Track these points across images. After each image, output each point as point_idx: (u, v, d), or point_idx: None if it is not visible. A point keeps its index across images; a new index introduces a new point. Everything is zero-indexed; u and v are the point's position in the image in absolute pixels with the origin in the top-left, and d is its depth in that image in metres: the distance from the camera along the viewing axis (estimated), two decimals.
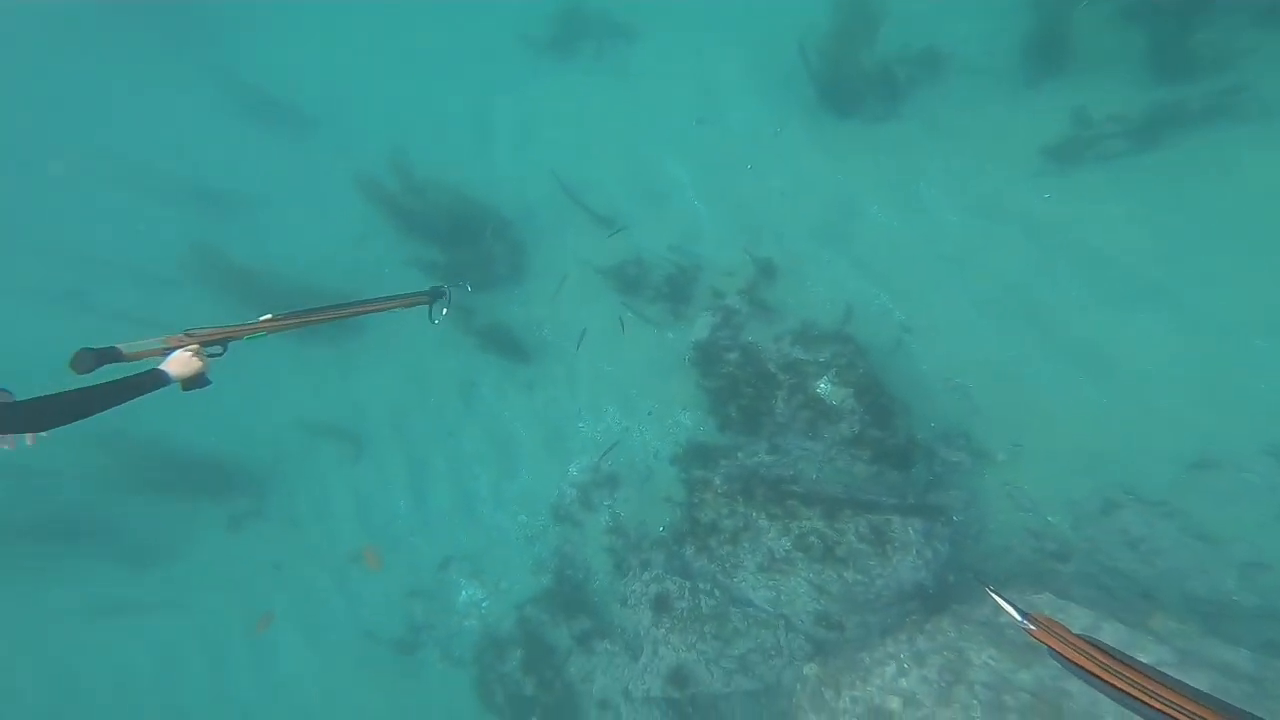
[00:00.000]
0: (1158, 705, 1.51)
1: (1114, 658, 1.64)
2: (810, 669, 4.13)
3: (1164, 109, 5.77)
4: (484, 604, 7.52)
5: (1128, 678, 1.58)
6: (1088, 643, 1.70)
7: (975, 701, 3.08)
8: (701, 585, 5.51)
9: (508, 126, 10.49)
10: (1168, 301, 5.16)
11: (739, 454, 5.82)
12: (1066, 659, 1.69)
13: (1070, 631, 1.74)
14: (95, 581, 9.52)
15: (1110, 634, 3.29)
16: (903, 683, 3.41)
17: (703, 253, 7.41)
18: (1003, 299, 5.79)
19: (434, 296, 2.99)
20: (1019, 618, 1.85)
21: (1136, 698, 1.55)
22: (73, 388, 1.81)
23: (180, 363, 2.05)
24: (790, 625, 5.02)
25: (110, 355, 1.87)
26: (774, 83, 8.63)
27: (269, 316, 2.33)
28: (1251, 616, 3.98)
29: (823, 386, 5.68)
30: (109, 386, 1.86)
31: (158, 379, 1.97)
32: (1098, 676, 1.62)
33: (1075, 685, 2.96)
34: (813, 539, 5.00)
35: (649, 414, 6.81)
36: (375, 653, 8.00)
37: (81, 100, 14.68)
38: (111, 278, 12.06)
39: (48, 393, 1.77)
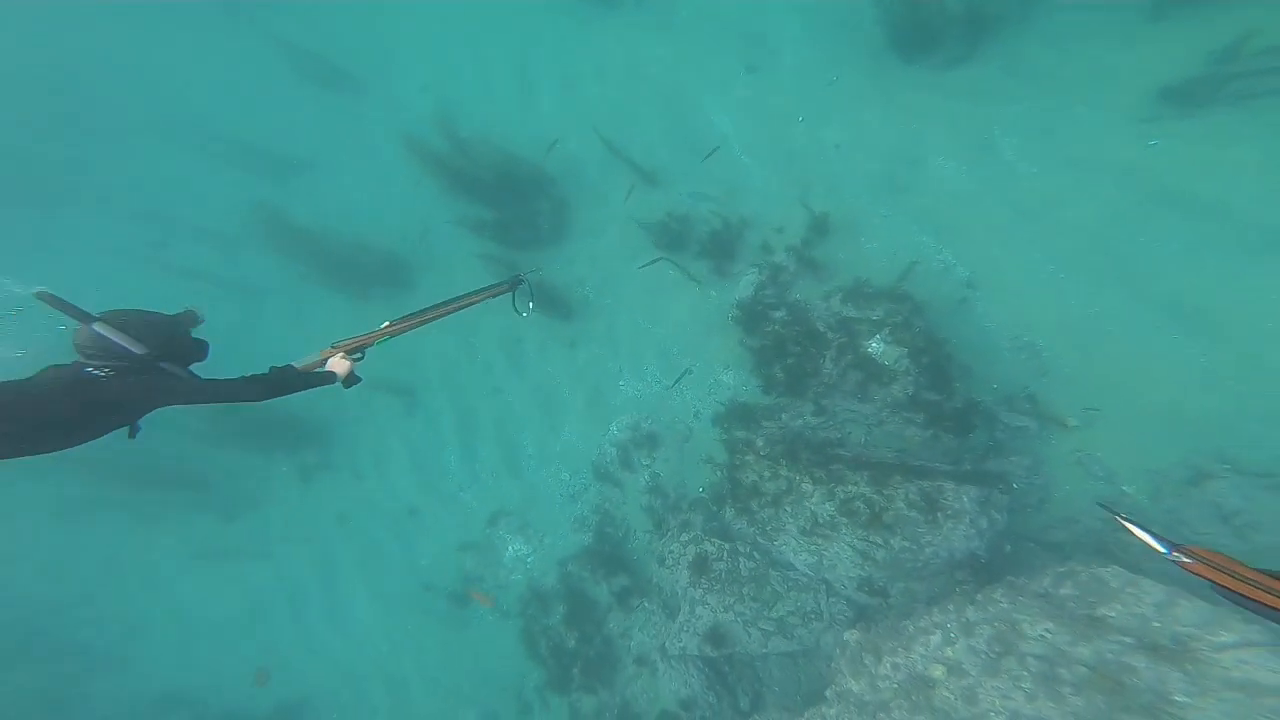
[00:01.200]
0: None
1: None
2: (851, 635, 3.98)
3: None
4: (529, 559, 7.73)
5: None
6: (1259, 572, 1.50)
7: (1025, 673, 2.85)
8: (741, 548, 5.42)
9: (550, 81, 10.26)
10: None
11: (783, 415, 5.61)
12: (1231, 590, 1.51)
13: (1236, 562, 1.53)
14: (192, 529, 10.46)
15: (1187, 611, 2.96)
16: (948, 651, 3.21)
17: (749, 208, 7.06)
18: (1085, 254, 5.23)
19: (514, 285, 3.28)
20: (1162, 550, 1.67)
21: None
22: (279, 373, 2.43)
23: (337, 365, 2.61)
24: (832, 590, 4.87)
25: (288, 368, 2.50)
26: (831, 26, 8.02)
27: (388, 323, 2.76)
28: None
29: (875, 346, 5.35)
30: (304, 375, 2.50)
31: (326, 377, 2.59)
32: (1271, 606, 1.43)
33: (1141, 660, 2.68)
34: (859, 504, 4.78)
35: (689, 372, 6.66)
36: (432, 603, 8.43)
37: (147, 69, 15.46)
38: (183, 236, 12.86)
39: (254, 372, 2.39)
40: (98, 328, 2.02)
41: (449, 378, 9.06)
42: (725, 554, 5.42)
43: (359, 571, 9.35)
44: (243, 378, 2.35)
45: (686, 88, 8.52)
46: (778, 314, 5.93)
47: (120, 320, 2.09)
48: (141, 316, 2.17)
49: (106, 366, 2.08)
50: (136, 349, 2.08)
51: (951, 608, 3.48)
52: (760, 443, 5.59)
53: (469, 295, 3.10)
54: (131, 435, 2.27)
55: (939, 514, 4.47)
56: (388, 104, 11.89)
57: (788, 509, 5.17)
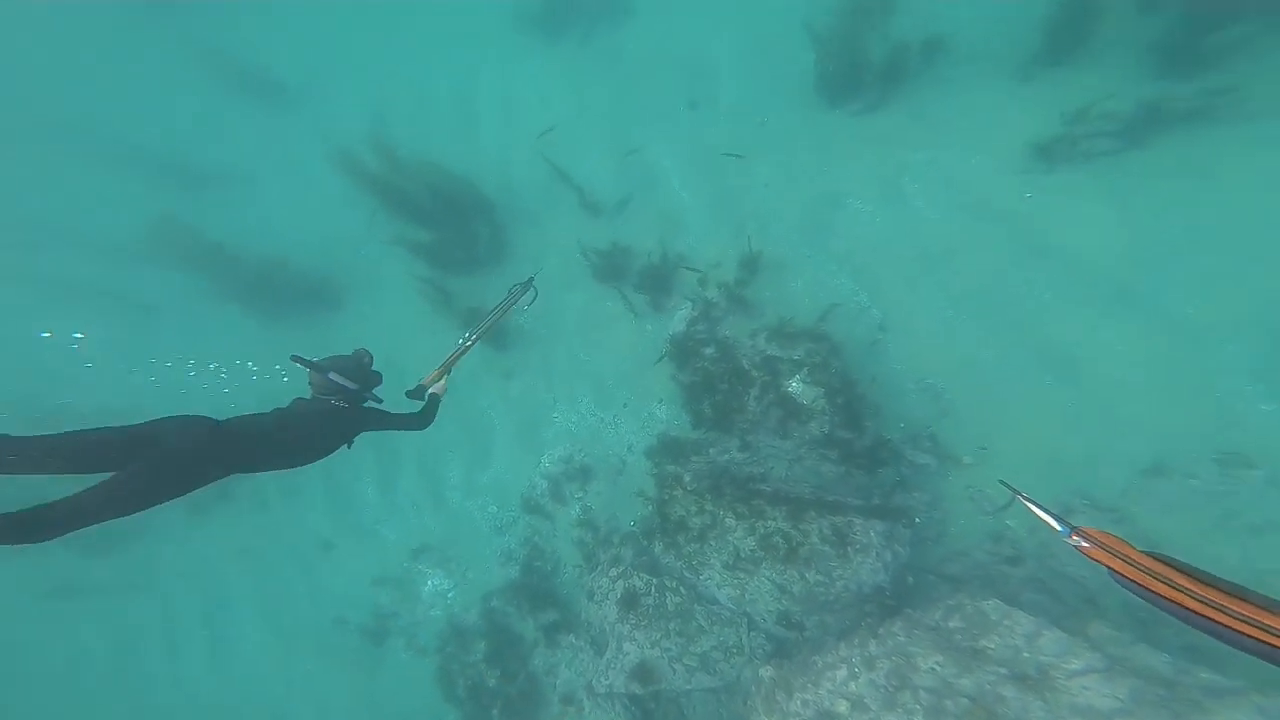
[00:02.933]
0: (1225, 620, 1.39)
1: (1182, 572, 1.51)
2: (765, 671, 4.14)
3: (1155, 107, 5.71)
4: (450, 594, 7.49)
5: (1194, 593, 1.46)
6: (1152, 558, 1.57)
7: (918, 706, 3.09)
8: (668, 582, 5.51)
9: (493, 108, 10.33)
10: (1140, 306, 5.18)
11: (711, 450, 5.80)
12: (1126, 578, 1.58)
13: (1127, 545, 1.61)
14: (48, 565, 9.37)
15: (1049, 641, 3.32)
16: (852, 686, 3.43)
17: (685, 243, 7.33)
18: (980, 299, 5.78)
19: (528, 286, 4.17)
20: (1061, 530, 1.72)
21: (1201, 612, 1.44)
22: (430, 401, 3.22)
23: (439, 387, 3.30)
24: (753, 623, 5.03)
25: (430, 395, 3.27)
26: (768, 68, 8.51)
27: (464, 340, 3.52)
28: (1178, 621, 3.99)
29: (795, 385, 5.66)
30: (434, 405, 3.22)
31: (437, 399, 3.28)
32: (1159, 593, 1.51)
33: (1010, 690, 2.99)
34: (777, 539, 5.00)
35: (624, 406, 6.76)
36: (341, 641, 7.96)
37: (56, 73, 14.17)
38: (73, 249, 11.74)
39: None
40: (332, 376, 2.78)
41: None
42: (653, 589, 5.49)
43: (256, 609, 8.71)
44: (414, 413, 3.11)
45: (629, 120, 8.79)
46: (708, 350, 6.16)
47: (339, 365, 2.85)
48: (343, 361, 2.93)
49: (341, 400, 2.83)
50: (351, 386, 2.84)
51: (856, 642, 3.71)
52: (688, 478, 5.74)
53: (501, 305, 3.96)
54: (349, 447, 2.89)
55: (849, 548, 4.76)
56: (321, 119, 11.46)
57: (712, 543, 5.33)
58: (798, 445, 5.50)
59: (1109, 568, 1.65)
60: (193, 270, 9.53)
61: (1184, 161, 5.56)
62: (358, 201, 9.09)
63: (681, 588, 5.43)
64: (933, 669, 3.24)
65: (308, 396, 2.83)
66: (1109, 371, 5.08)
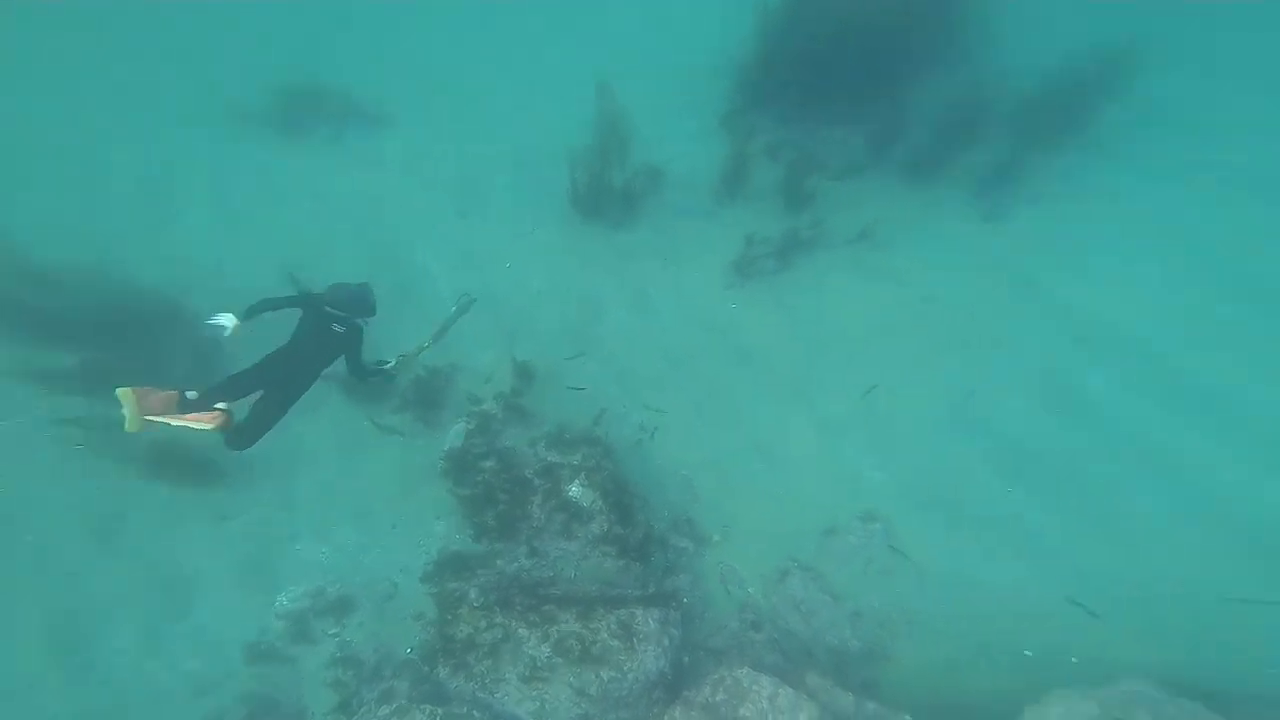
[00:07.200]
0: None
1: None
2: None
3: (792, 234, 8.17)
4: None
5: None
6: None
7: None
8: (458, 709, 5.22)
9: (204, 203, 8.86)
10: (803, 399, 7.08)
11: (498, 561, 5.78)
12: None
13: None
14: None
15: (784, 699, 4.36)
16: None
17: (459, 355, 7.25)
18: (711, 397, 7.20)
19: (467, 306, 6.13)
20: None
21: None
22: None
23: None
24: None
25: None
26: (534, 180, 9.20)
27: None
28: (859, 659, 5.45)
29: (574, 489, 6.12)
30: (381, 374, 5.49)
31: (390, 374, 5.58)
32: None
33: None
34: (571, 641, 5.27)
35: (394, 528, 6.20)
36: None
37: None
38: None
39: None
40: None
41: None
42: (440, 718, 5.13)
43: None
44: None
45: (392, 225, 8.43)
46: (488, 463, 6.21)
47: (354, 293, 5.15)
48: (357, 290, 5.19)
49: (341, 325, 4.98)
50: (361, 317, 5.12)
51: None
52: (474, 592, 5.61)
53: (441, 327, 5.66)
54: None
55: (634, 639, 5.31)
56: None
57: (507, 657, 5.29)
58: (583, 545, 5.92)
59: None
60: None
61: (812, 277, 8.00)
62: None
63: (475, 711, 5.21)
64: None
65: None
66: (794, 454, 6.82)
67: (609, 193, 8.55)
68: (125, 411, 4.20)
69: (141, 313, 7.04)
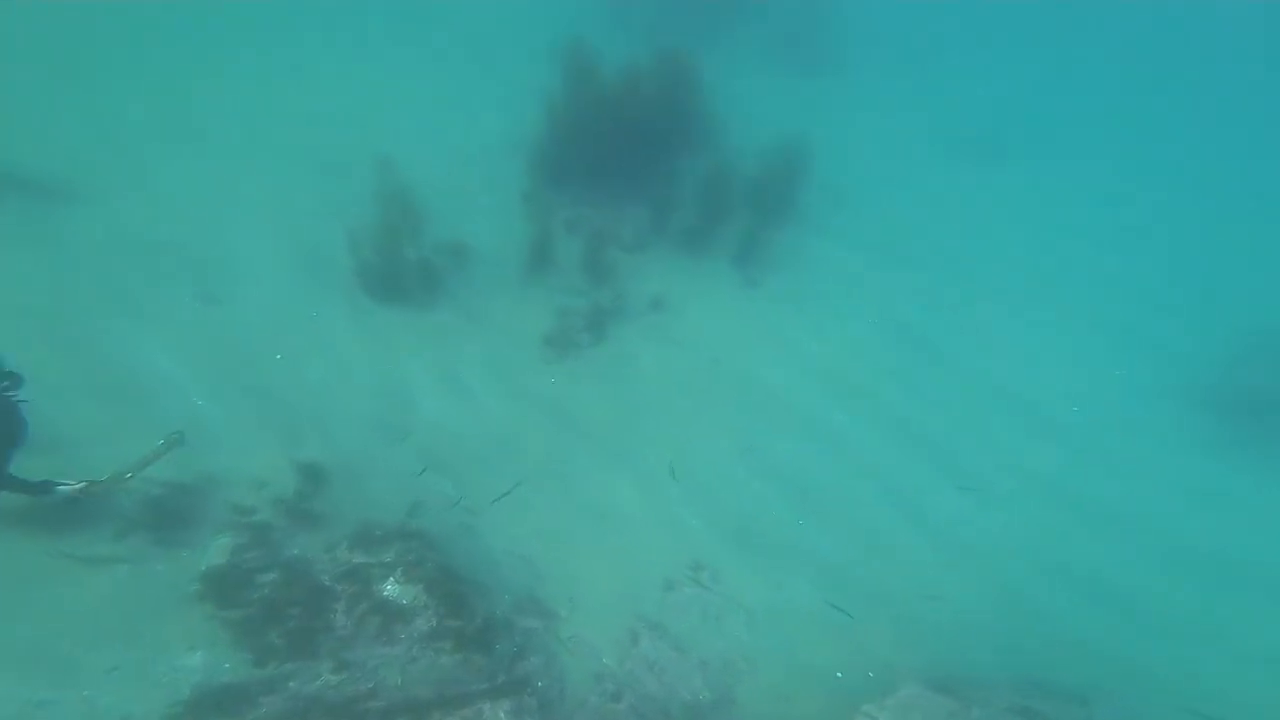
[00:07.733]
0: None
1: None
2: None
3: (598, 307, 8.69)
4: None
5: None
6: None
7: None
8: None
9: None
10: (624, 462, 7.24)
11: (291, 683, 4.42)
12: None
13: None
14: None
15: None
16: None
17: (217, 463, 5.86)
18: (541, 472, 6.94)
19: (177, 442, 5.49)
20: None
21: None
22: None
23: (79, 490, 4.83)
24: None
25: None
26: (306, 260, 8.45)
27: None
28: (711, 710, 5.32)
29: (390, 588, 5.23)
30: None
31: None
32: None
33: None
34: None
35: (113, 670, 4.30)
36: None
37: None
38: None
39: None
40: None
41: None
42: None
43: None
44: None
45: (105, 315, 6.81)
46: (267, 577, 4.97)
47: None
48: None
49: None
50: None
51: None
52: None
53: (144, 461, 5.07)
54: None
55: None
56: None
57: None
58: (409, 646, 4.91)
59: None
60: None
61: (619, 346, 8.53)
62: None
63: None
64: None
65: None
66: (624, 513, 6.81)
67: (405, 271, 8.27)
68: None
69: None
